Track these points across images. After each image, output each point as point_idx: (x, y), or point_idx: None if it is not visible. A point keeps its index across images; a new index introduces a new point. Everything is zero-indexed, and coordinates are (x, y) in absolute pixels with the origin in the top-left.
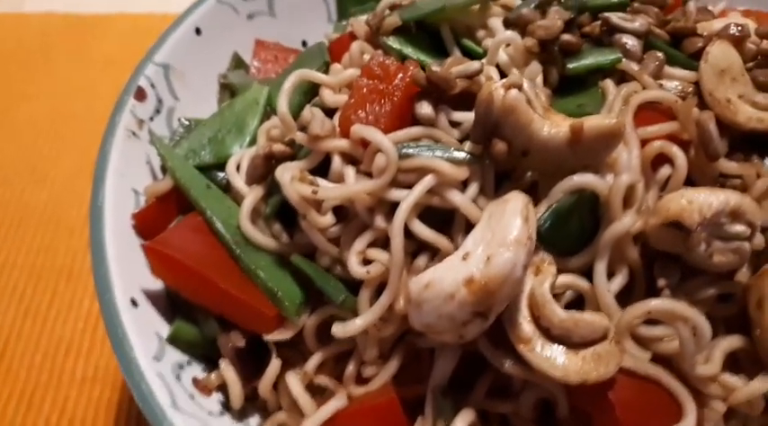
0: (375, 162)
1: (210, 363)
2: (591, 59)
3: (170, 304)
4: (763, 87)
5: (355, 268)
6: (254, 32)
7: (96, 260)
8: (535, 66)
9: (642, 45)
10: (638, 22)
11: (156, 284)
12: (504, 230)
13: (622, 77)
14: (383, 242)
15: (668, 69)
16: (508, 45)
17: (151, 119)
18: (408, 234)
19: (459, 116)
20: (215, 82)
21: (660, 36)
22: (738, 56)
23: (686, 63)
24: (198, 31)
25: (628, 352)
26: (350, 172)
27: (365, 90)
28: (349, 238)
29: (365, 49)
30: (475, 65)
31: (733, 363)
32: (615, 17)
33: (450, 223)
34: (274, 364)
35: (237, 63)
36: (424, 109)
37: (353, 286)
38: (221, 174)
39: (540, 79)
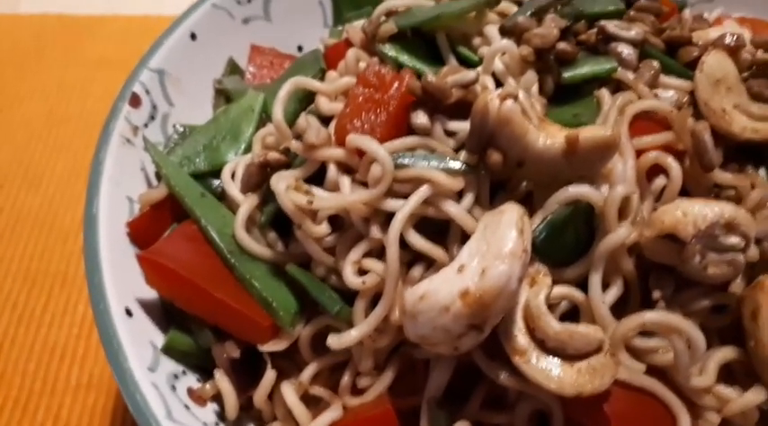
0: (370, 172)
1: (205, 373)
2: (587, 68)
3: (164, 313)
4: (759, 97)
5: (351, 278)
6: (249, 37)
7: (90, 269)
8: (531, 75)
9: (638, 54)
10: (634, 31)
11: (151, 293)
12: (499, 242)
13: (618, 86)
14: (378, 252)
15: (664, 78)
16: (504, 53)
17: (146, 125)
18: (404, 244)
19: (454, 125)
20: (210, 87)
21: (656, 45)
22: (734, 65)
23: (682, 72)
24: (193, 37)
25: (622, 364)
26: (345, 181)
27: (361, 99)
28: (344, 248)
29: (361, 57)
30: (470, 74)
31: (727, 374)
32: (611, 26)
33: (446, 233)
34: (269, 374)
35: (233, 68)
36: (420, 118)
37: (349, 295)
38: (216, 182)
39: (535, 88)
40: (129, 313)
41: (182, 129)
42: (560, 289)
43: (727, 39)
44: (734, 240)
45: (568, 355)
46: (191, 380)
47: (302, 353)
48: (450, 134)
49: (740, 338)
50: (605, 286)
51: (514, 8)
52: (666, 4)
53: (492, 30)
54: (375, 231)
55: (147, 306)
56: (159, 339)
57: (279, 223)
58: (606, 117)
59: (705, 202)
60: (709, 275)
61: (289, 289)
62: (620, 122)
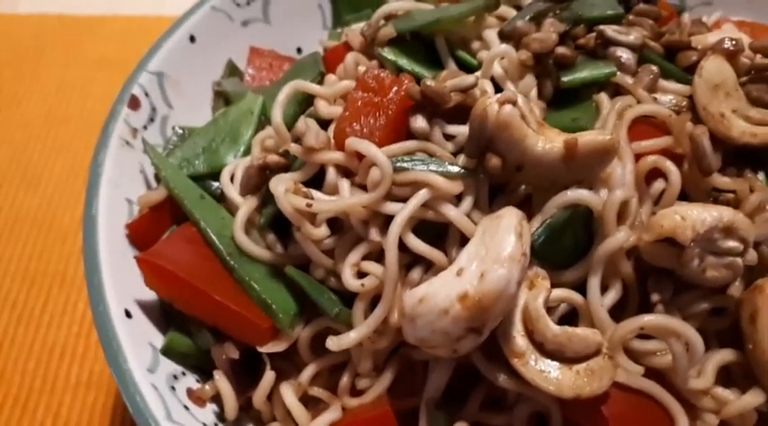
0: (370, 175)
1: (204, 374)
2: (585, 73)
3: (164, 315)
4: (757, 102)
5: (350, 280)
6: (248, 39)
7: (90, 271)
8: (530, 80)
9: (637, 58)
10: (633, 36)
11: (150, 295)
12: (498, 246)
13: (617, 90)
14: (377, 254)
15: (662, 83)
16: (503, 58)
17: (145, 127)
18: (403, 247)
19: (453, 129)
20: (209, 89)
21: (655, 49)
22: (732, 70)
23: (680, 76)
24: (192, 39)
25: (621, 367)
26: (344, 184)
27: (360, 103)
28: (343, 250)
29: (360, 61)
30: (469, 79)
31: (726, 377)
32: (610, 30)
33: (445, 236)
34: (268, 375)
35: (232, 70)
36: (419, 122)
37: (348, 298)
38: (215, 184)
39: (534, 92)
40: (128, 314)
41: (181, 132)
42: (559, 292)
43: (726, 44)
44: (732, 244)
45: (567, 357)
46: (190, 381)
47: (301, 354)
48: (448, 138)
49: (738, 341)
50: (604, 289)
51: (513, 12)
52: (665, 8)
53: (491, 34)
54: (374, 234)
55: (146, 308)
56: (158, 340)
57: (278, 225)
58: (605, 121)
59: (704, 206)
60: (708, 278)
61: (288, 291)
62: (618, 126)
